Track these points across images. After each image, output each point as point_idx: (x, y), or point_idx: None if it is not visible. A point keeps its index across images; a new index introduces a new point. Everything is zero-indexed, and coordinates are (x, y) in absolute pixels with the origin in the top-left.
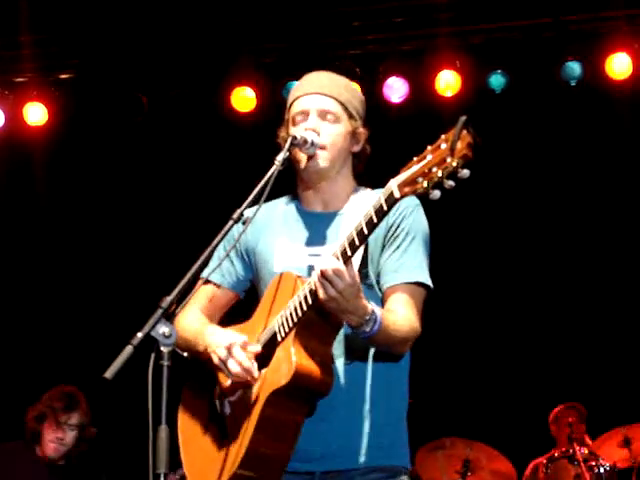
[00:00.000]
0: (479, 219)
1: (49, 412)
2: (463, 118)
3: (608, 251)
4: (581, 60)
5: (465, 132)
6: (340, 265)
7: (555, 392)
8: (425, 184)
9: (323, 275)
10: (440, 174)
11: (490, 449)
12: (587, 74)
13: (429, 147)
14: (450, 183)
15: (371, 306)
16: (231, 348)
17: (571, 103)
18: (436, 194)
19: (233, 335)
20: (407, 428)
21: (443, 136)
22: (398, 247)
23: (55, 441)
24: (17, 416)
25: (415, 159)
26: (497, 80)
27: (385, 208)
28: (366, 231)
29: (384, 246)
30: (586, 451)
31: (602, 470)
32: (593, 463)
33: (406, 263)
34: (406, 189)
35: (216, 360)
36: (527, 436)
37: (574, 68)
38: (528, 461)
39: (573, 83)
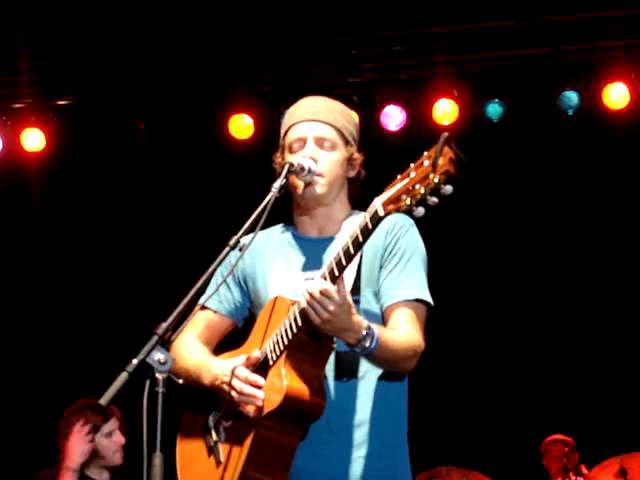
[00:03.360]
0: (475, 248)
1: (92, 428)
2: (445, 134)
3: (603, 280)
4: (578, 90)
5: (447, 148)
6: (327, 285)
7: (551, 422)
8: (408, 201)
9: (312, 297)
10: (423, 191)
11: (486, 478)
12: (584, 104)
13: (412, 165)
14: (433, 200)
15: (367, 322)
16: (235, 370)
17: (568, 133)
18: (420, 211)
19: (234, 360)
20: (409, 452)
21: (426, 153)
22: (396, 266)
23: (120, 448)
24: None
25: (399, 177)
26: (494, 109)
27: (370, 227)
28: (352, 250)
29: (381, 267)
30: None
31: None
32: None
33: (405, 281)
34: (390, 207)
35: (226, 388)
36: (523, 466)
37: (571, 98)
38: None
39: (570, 113)
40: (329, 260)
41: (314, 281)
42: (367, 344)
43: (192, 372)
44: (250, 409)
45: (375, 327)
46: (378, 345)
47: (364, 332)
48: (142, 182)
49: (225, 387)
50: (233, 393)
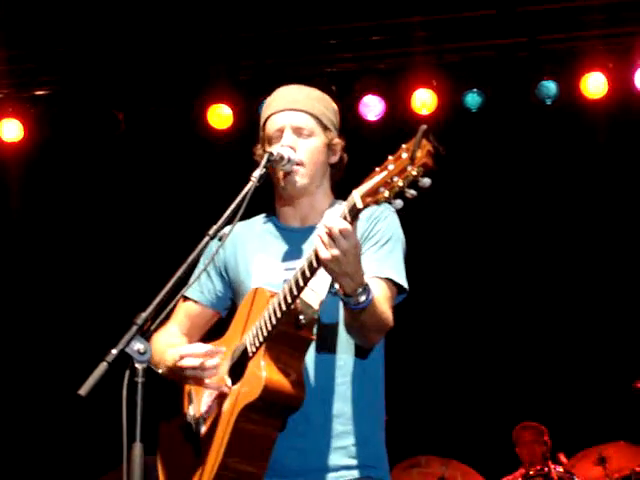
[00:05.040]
0: (455, 237)
1: None
2: (423, 127)
3: (580, 270)
4: (556, 79)
5: (425, 141)
6: (348, 225)
7: (529, 411)
8: (387, 194)
9: (329, 231)
10: (401, 183)
11: (465, 467)
12: (562, 93)
13: (390, 157)
14: (412, 192)
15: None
16: (205, 351)
17: (546, 122)
18: (398, 203)
19: (200, 344)
20: (385, 442)
21: (404, 145)
22: (372, 246)
23: None
24: None
25: (377, 169)
26: (473, 99)
27: (349, 219)
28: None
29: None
30: (561, 469)
31: None
32: None
33: (379, 260)
34: (368, 199)
35: (188, 363)
36: (502, 455)
37: (549, 87)
38: (501, 478)
39: (549, 102)
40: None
41: (333, 218)
42: (362, 298)
43: (156, 363)
44: (211, 382)
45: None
46: (369, 305)
47: (364, 285)
48: (121, 172)
49: (188, 362)
50: (188, 372)
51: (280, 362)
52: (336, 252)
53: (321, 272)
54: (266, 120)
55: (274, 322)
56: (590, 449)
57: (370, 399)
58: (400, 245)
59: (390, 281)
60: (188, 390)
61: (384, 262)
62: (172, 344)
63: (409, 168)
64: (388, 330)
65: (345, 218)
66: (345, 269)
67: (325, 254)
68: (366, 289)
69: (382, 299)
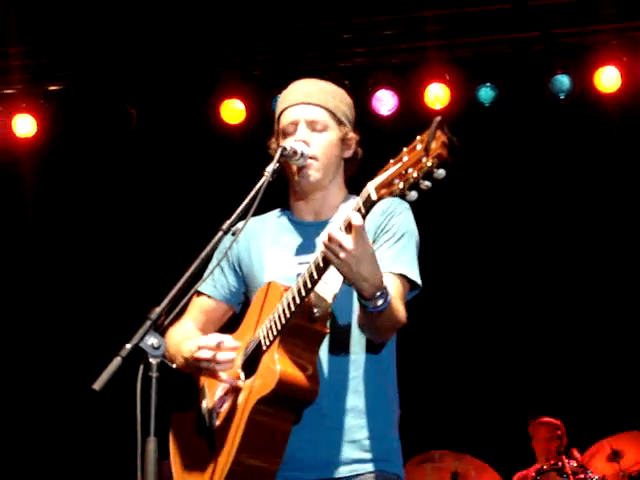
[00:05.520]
0: (468, 231)
1: None
2: (438, 118)
3: (593, 264)
4: (570, 73)
5: (439, 132)
6: (360, 221)
7: (543, 405)
8: (401, 185)
9: (329, 239)
10: (416, 175)
11: (479, 462)
12: (576, 87)
13: (405, 149)
14: (426, 184)
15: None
16: (221, 344)
17: (560, 116)
18: (413, 195)
19: (217, 335)
20: (399, 437)
21: (418, 137)
22: (386, 242)
23: None
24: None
25: (392, 161)
26: (486, 93)
27: (363, 211)
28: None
29: (374, 242)
30: (575, 464)
31: None
32: (582, 476)
33: (392, 255)
34: (383, 191)
35: (203, 355)
36: (515, 449)
37: (563, 81)
38: (515, 474)
39: (562, 96)
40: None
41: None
42: (380, 302)
43: (172, 356)
44: (225, 375)
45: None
46: (387, 307)
47: (382, 289)
48: (134, 167)
49: (203, 354)
50: (204, 364)
51: (294, 355)
52: (342, 254)
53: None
54: (280, 114)
55: (288, 315)
56: (602, 441)
57: (383, 393)
58: (414, 241)
59: (403, 277)
60: (202, 384)
61: (398, 258)
62: (188, 337)
63: (424, 159)
64: (401, 327)
65: (359, 210)
66: (357, 270)
67: (333, 258)
68: (384, 292)
69: (396, 298)
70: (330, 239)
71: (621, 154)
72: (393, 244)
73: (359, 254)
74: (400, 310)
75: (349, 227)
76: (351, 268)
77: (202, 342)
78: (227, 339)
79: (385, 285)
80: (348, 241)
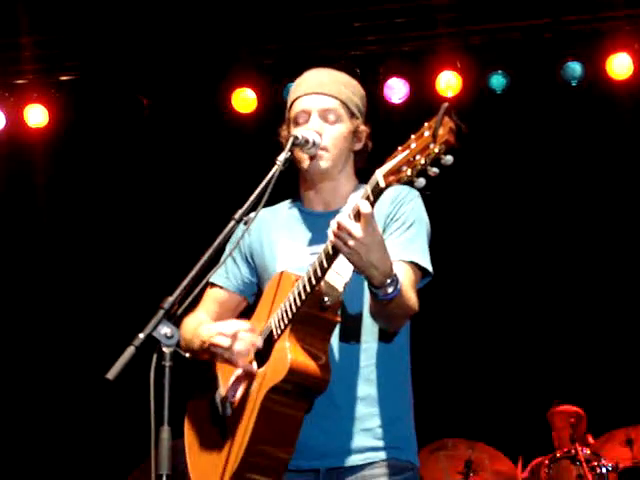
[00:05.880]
0: (478, 219)
1: None
2: (445, 105)
3: (608, 250)
4: (582, 60)
5: (447, 118)
6: (368, 209)
7: (557, 392)
8: (409, 172)
9: (338, 226)
10: (423, 161)
11: (492, 450)
12: (588, 74)
13: (413, 136)
14: (434, 170)
15: (395, 270)
16: (238, 333)
17: (572, 103)
18: (421, 182)
19: (236, 322)
20: (414, 425)
21: (426, 124)
22: (397, 229)
23: None
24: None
25: (400, 148)
26: (498, 81)
27: (372, 198)
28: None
29: (384, 232)
30: (588, 451)
31: (604, 470)
32: (595, 463)
33: (403, 243)
34: (391, 178)
35: (221, 342)
36: (529, 437)
37: (575, 68)
38: (530, 462)
39: (574, 83)
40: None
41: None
42: (390, 290)
43: (188, 341)
44: (241, 362)
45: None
46: (399, 294)
47: (393, 275)
48: (146, 157)
49: (220, 341)
50: (219, 350)
51: (305, 344)
52: (352, 242)
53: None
54: (293, 102)
55: (299, 304)
56: (617, 430)
57: (396, 381)
58: (425, 228)
59: (415, 265)
60: (216, 372)
61: (409, 245)
62: (201, 322)
63: (431, 146)
64: (413, 314)
65: (368, 198)
66: (367, 258)
67: (343, 247)
68: (394, 280)
69: (407, 285)
70: (339, 227)
71: (633, 141)
72: (404, 232)
73: (368, 242)
74: (411, 298)
75: (358, 215)
76: (361, 256)
77: (221, 328)
78: (245, 327)
79: (395, 273)
80: (357, 229)
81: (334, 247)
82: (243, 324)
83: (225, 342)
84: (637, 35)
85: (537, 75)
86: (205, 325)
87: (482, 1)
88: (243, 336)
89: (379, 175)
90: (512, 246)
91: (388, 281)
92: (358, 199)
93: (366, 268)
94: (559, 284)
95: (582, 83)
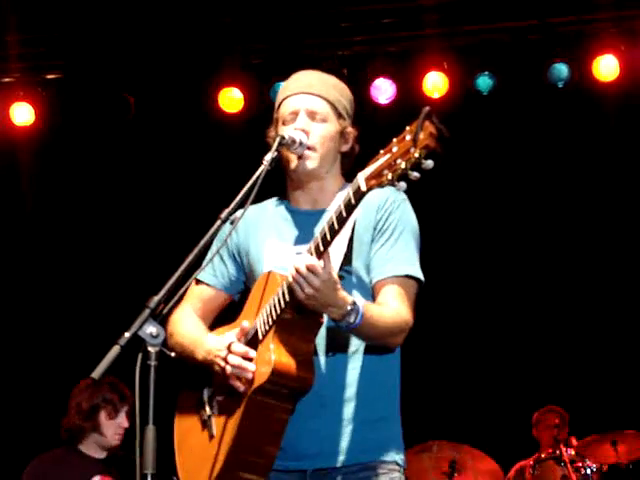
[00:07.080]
0: (466, 221)
1: (103, 405)
2: (426, 109)
3: (595, 254)
4: (568, 62)
5: (428, 123)
6: (314, 260)
7: (541, 395)
8: (390, 176)
9: (298, 272)
10: (404, 166)
11: (477, 451)
12: (574, 76)
13: (394, 139)
14: (415, 174)
15: (352, 298)
16: (231, 345)
17: (558, 105)
18: (402, 186)
19: (230, 335)
20: (401, 425)
21: (407, 128)
22: (387, 241)
23: (121, 431)
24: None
25: (382, 152)
26: (484, 82)
27: (353, 202)
28: (336, 226)
29: (372, 242)
30: (573, 452)
31: (589, 471)
32: (580, 464)
33: (395, 257)
34: (372, 182)
35: (220, 363)
36: (513, 439)
37: (561, 70)
38: (515, 463)
39: (560, 85)
40: (315, 235)
41: (300, 256)
42: (352, 320)
43: (186, 347)
44: (239, 383)
45: (361, 303)
46: (363, 321)
47: (348, 308)
48: (132, 156)
49: (219, 362)
50: (227, 367)
51: (289, 345)
52: (309, 290)
53: (331, 255)
54: (281, 102)
55: (283, 305)
56: (602, 434)
57: (384, 384)
58: (413, 236)
59: (409, 277)
60: (204, 371)
61: (400, 258)
62: (202, 328)
63: (412, 150)
64: (406, 330)
65: (350, 201)
66: (324, 301)
67: (300, 294)
68: (354, 309)
69: (391, 304)
70: (306, 267)
71: (619, 143)
72: (393, 244)
73: (323, 287)
74: (392, 317)
75: (318, 252)
76: (318, 301)
77: (235, 348)
78: (250, 351)
79: (352, 301)
80: (314, 279)
81: (317, 246)
82: (250, 352)
83: (237, 362)
84: (623, 37)
85: (524, 76)
86: (210, 338)
87: (469, 2)
88: (251, 356)
89: (361, 179)
90: (499, 248)
91: (348, 309)
92: (342, 200)
93: (324, 309)
94: (546, 288)
95: (568, 84)
